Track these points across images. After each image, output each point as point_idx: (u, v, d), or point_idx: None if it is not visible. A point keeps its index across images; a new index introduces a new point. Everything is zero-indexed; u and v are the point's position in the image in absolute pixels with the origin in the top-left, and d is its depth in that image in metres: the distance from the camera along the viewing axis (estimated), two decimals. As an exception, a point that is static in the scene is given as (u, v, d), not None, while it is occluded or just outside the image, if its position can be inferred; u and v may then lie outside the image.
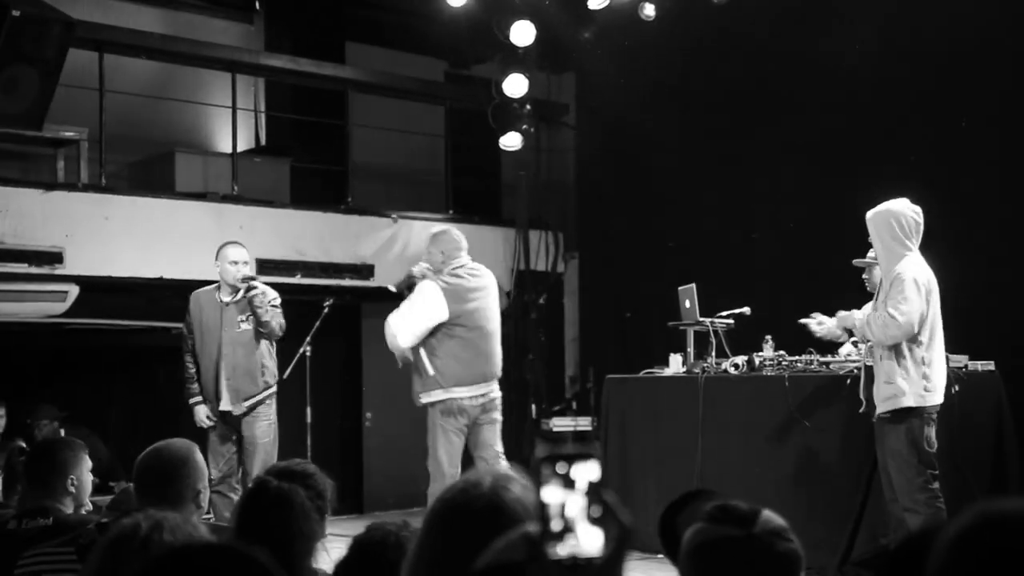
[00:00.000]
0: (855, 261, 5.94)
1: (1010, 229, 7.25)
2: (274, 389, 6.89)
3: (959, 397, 5.87)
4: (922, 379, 5.40)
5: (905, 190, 5.78)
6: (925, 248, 5.61)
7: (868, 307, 5.79)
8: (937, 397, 5.47)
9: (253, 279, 6.71)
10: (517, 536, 1.37)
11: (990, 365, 6.33)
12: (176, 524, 2.17)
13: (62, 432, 7.84)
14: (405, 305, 6.61)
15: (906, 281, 5.39)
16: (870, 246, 5.70)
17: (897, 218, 5.48)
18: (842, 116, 8.06)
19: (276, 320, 6.72)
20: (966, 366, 6.22)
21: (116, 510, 3.73)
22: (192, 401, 6.80)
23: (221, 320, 6.72)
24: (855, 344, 6.22)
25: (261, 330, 6.70)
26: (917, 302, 5.35)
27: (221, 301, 6.77)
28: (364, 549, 2.43)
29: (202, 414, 6.74)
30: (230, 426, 6.77)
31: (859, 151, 7.91)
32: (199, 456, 3.44)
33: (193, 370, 6.84)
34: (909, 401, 5.39)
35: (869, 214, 5.58)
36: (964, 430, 5.92)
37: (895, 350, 5.42)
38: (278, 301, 6.82)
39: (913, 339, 5.40)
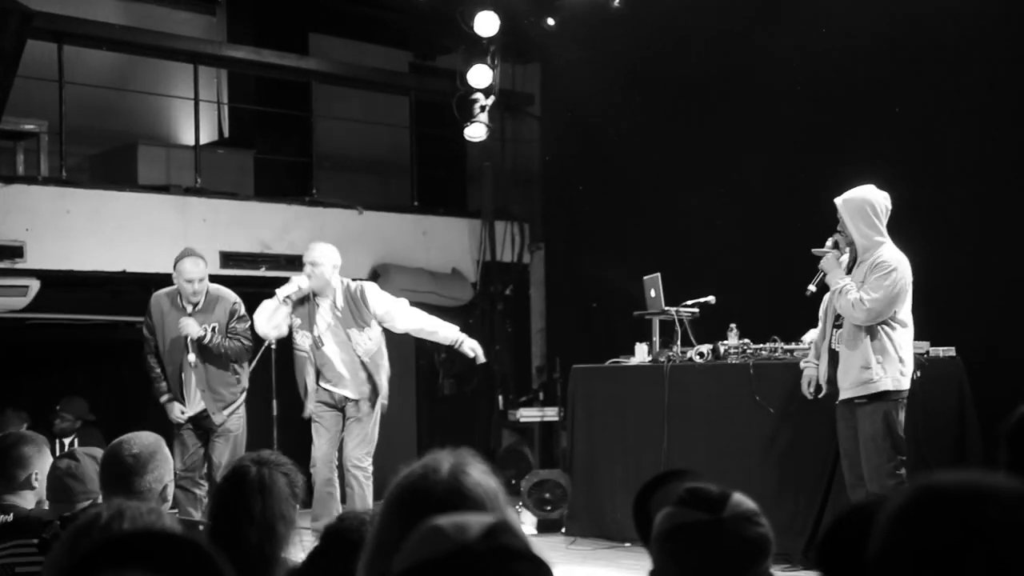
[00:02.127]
0: (814, 251, 5.95)
1: (973, 215, 7.32)
2: (246, 385, 6.88)
3: (921, 383, 5.92)
4: (899, 363, 5.45)
5: (870, 176, 5.82)
6: (890, 234, 5.64)
7: (826, 297, 5.81)
8: (908, 381, 5.52)
9: (203, 337, 6.57)
10: (427, 530, 1.36)
11: (951, 351, 6.40)
12: (138, 513, 2.15)
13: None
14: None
15: (891, 273, 5.39)
16: (832, 233, 5.72)
17: (872, 204, 5.52)
18: (808, 104, 8.10)
19: (234, 350, 6.66)
20: (928, 352, 6.28)
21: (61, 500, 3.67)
22: (163, 399, 6.71)
23: (187, 353, 6.63)
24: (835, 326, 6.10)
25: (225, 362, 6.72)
26: (892, 298, 5.39)
27: (183, 308, 6.67)
28: (336, 537, 2.42)
29: (176, 411, 6.67)
30: (199, 423, 6.74)
31: (825, 139, 7.95)
32: (166, 450, 3.40)
33: (159, 370, 6.72)
34: (887, 384, 5.41)
35: (840, 199, 5.57)
36: (927, 416, 5.98)
37: (872, 334, 5.44)
38: (247, 328, 6.74)
39: (893, 323, 5.44)
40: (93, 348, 9.55)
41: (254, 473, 2.82)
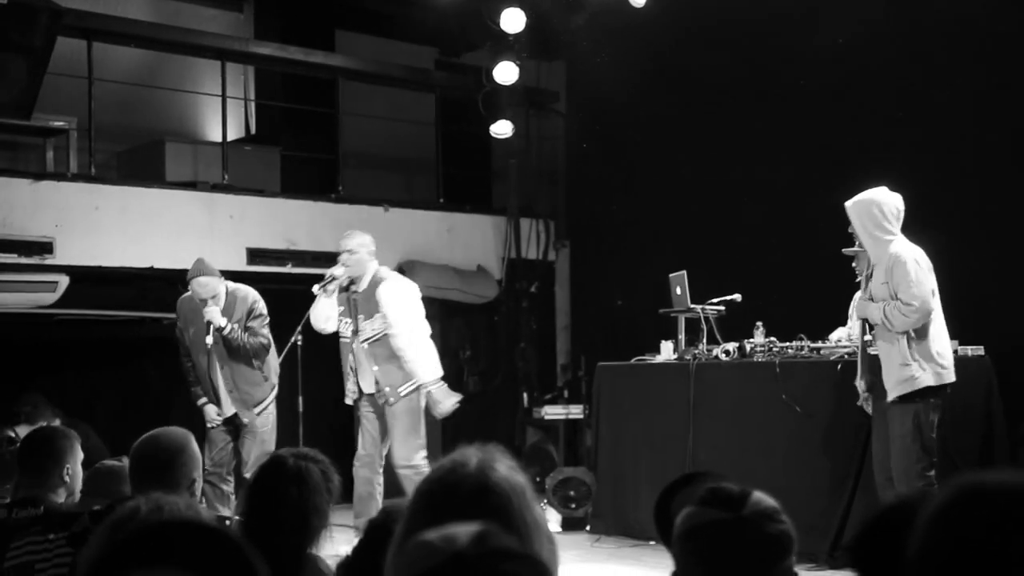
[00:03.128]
0: (844, 251, 5.94)
1: (998, 215, 7.26)
2: (276, 383, 6.93)
3: (949, 383, 5.88)
4: (936, 356, 5.42)
5: (895, 175, 5.79)
6: (915, 235, 5.62)
7: (858, 295, 5.80)
8: (951, 375, 5.48)
9: (220, 329, 6.64)
10: (415, 545, 1.36)
11: (980, 350, 6.35)
12: (177, 508, 2.17)
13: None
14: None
15: (907, 263, 5.40)
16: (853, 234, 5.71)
17: (879, 206, 5.50)
18: (835, 104, 8.06)
19: (252, 345, 6.70)
20: (956, 351, 6.22)
21: (96, 494, 3.72)
22: (200, 403, 6.85)
23: (208, 329, 6.69)
24: (868, 327, 6.08)
25: (243, 357, 6.75)
26: (925, 282, 5.38)
27: (205, 308, 6.73)
28: (380, 530, 2.43)
29: (212, 413, 6.80)
30: (230, 420, 6.82)
31: (850, 138, 7.91)
32: (195, 445, 3.45)
33: (191, 375, 6.89)
34: (928, 380, 5.40)
35: (849, 203, 5.58)
36: (955, 416, 5.93)
37: (907, 333, 5.42)
38: (264, 324, 6.79)
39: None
40: (121, 344, 9.61)
41: (291, 463, 2.85)
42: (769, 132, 8.37)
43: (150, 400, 9.13)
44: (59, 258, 8.00)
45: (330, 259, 9.23)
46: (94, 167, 8.45)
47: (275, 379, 6.93)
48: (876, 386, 5.63)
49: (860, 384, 5.74)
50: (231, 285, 6.84)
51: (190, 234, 8.54)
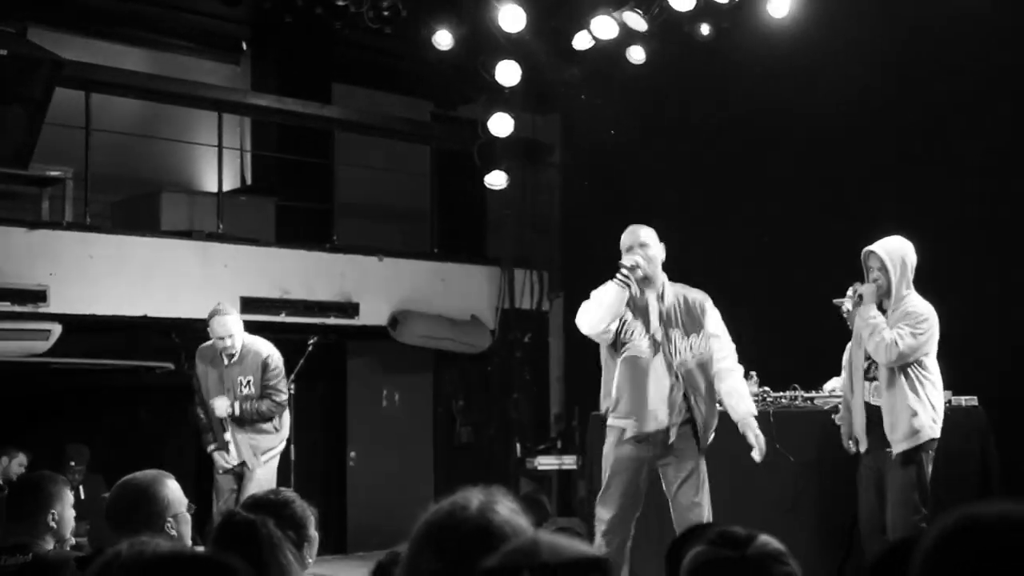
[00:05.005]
0: (835, 301, 5.93)
1: (993, 265, 7.30)
2: (287, 435, 6.96)
3: (944, 433, 5.87)
4: (932, 410, 5.43)
5: (892, 226, 5.82)
6: (915, 283, 5.66)
7: (850, 344, 5.80)
8: (939, 430, 5.49)
9: (232, 414, 6.71)
10: (525, 541, 1.38)
11: (974, 400, 6.35)
12: (159, 548, 2.16)
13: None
14: None
15: (925, 322, 5.40)
16: (853, 282, 5.70)
17: (910, 256, 5.53)
18: (829, 153, 8.13)
19: (264, 413, 6.75)
20: (950, 401, 6.23)
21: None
22: (210, 449, 6.88)
23: (222, 382, 6.76)
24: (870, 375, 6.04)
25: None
26: (921, 343, 5.38)
27: (222, 361, 6.81)
28: (385, 572, 2.41)
29: (221, 460, 6.83)
30: (241, 474, 6.86)
31: (845, 189, 7.98)
32: (167, 486, 3.35)
33: (205, 420, 6.91)
34: (931, 433, 5.40)
35: (883, 249, 5.53)
36: (948, 465, 5.92)
37: (910, 385, 5.40)
38: (280, 379, 6.80)
39: (926, 373, 5.43)
40: (113, 393, 9.58)
41: (240, 519, 2.75)
42: (763, 182, 8.43)
43: (144, 449, 9.08)
44: (53, 306, 7.99)
45: (324, 308, 9.30)
46: (89, 216, 8.48)
47: (286, 431, 6.96)
48: (870, 436, 5.60)
49: (847, 424, 5.73)
50: (248, 338, 6.88)
51: (184, 283, 8.56)
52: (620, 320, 5.38)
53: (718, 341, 5.50)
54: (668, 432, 5.35)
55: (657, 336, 5.33)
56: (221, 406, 6.69)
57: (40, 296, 7.93)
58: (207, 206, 9.20)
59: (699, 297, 5.57)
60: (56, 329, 8.04)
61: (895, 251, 5.51)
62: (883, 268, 5.49)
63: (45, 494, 3.79)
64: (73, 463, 8.17)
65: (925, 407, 5.40)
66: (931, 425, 5.42)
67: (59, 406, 9.27)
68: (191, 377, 7.11)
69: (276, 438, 6.86)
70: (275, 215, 9.71)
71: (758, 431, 5.46)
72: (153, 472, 3.38)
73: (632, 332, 5.37)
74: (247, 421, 6.72)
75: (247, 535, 2.69)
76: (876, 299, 5.51)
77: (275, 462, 6.89)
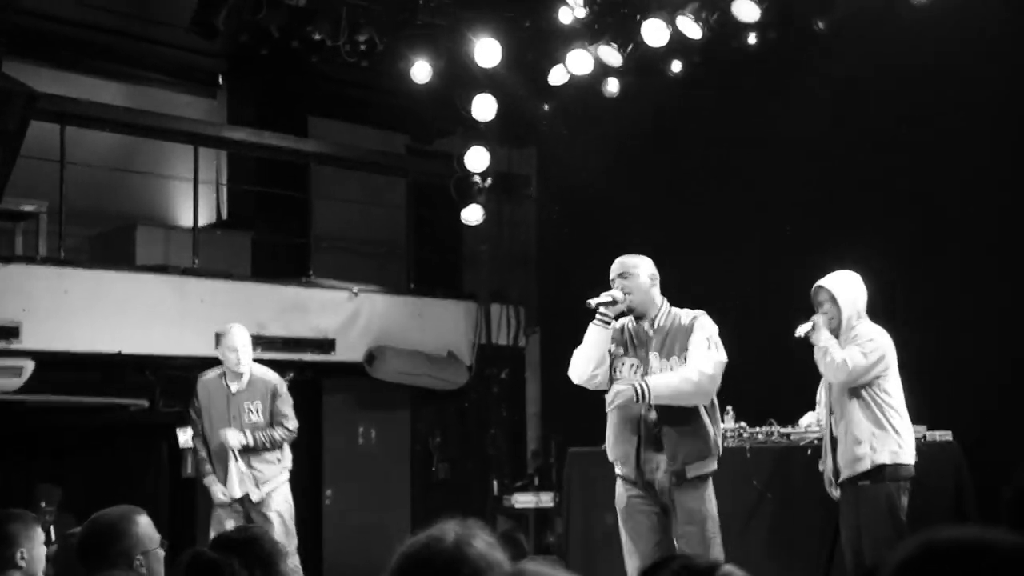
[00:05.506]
0: (797, 334, 5.91)
1: (966, 301, 7.34)
2: (289, 466, 6.90)
3: (918, 468, 5.87)
4: (895, 434, 5.40)
5: (866, 259, 5.85)
6: (885, 319, 5.67)
7: (824, 380, 5.80)
8: (909, 457, 5.44)
9: (245, 445, 6.68)
10: (513, 571, 1.37)
11: (948, 435, 6.36)
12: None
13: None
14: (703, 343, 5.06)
15: (871, 342, 5.42)
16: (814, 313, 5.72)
17: (859, 288, 5.57)
18: (804, 189, 8.18)
19: (277, 441, 6.75)
20: (924, 436, 6.24)
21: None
22: (207, 480, 6.80)
23: (228, 410, 6.71)
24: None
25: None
26: (875, 365, 5.39)
27: (228, 389, 6.74)
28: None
29: (219, 492, 6.73)
30: (243, 509, 6.75)
31: (819, 222, 8.01)
32: (137, 523, 3.29)
33: (204, 452, 6.83)
34: (882, 458, 5.34)
35: (834, 285, 5.57)
36: (924, 501, 5.92)
37: (864, 410, 5.40)
38: (289, 406, 6.83)
39: (882, 396, 5.43)
40: (87, 431, 9.47)
41: (203, 559, 2.73)
42: (738, 215, 8.47)
43: (117, 488, 8.97)
44: (25, 343, 7.91)
45: (299, 344, 9.24)
46: (64, 251, 8.42)
47: (288, 461, 6.91)
48: (836, 472, 5.61)
49: (826, 467, 5.72)
50: (255, 366, 6.88)
51: (160, 318, 8.50)
52: (611, 360, 5.16)
53: (694, 351, 5.03)
54: (648, 469, 5.14)
55: (646, 368, 5.06)
56: (234, 437, 6.63)
57: (13, 332, 7.85)
58: (183, 241, 9.16)
59: (690, 316, 5.20)
60: (29, 365, 7.95)
61: (843, 284, 5.57)
62: (832, 300, 5.54)
63: (11, 532, 3.73)
64: (43, 503, 8.05)
65: (887, 432, 5.39)
66: (885, 451, 5.38)
67: (31, 445, 9.16)
68: (172, 413, 7.05)
69: (278, 468, 6.82)
70: (251, 249, 9.67)
71: (619, 389, 4.99)
72: (123, 508, 3.33)
73: (622, 368, 5.15)
74: (258, 450, 6.66)
75: (212, 575, 2.66)
76: (827, 328, 5.53)
77: (286, 496, 6.81)
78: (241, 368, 6.70)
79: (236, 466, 6.68)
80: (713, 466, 5.13)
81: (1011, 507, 2.12)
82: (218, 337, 6.86)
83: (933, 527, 1.31)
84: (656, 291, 5.30)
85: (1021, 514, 2.10)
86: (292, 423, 6.80)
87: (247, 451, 6.68)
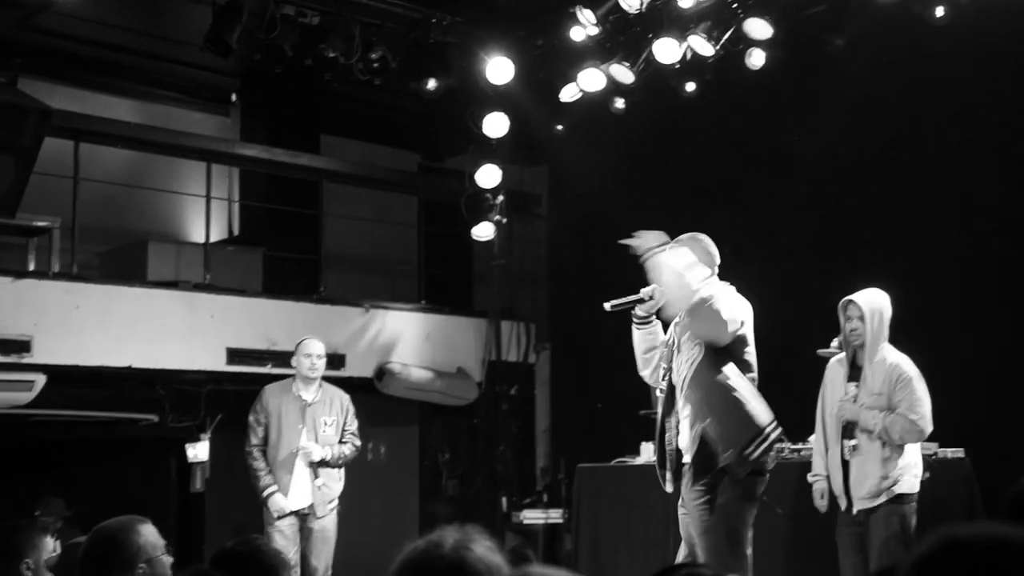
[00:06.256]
0: (820, 352, 5.96)
1: (977, 317, 7.33)
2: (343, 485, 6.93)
3: (930, 484, 5.86)
4: (913, 465, 5.44)
5: (875, 277, 5.85)
6: (896, 338, 5.67)
7: (851, 389, 5.75)
8: (919, 483, 5.50)
9: (324, 459, 6.68)
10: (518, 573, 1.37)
11: (960, 452, 6.34)
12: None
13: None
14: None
15: (913, 379, 5.43)
16: (836, 333, 5.73)
17: (888, 308, 5.57)
18: (811, 203, 8.18)
19: (348, 457, 6.79)
20: (936, 454, 6.22)
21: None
22: (268, 492, 6.65)
23: (303, 420, 6.68)
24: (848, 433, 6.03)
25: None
26: (928, 400, 5.41)
27: (302, 399, 6.72)
28: None
29: (281, 502, 6.61)
30: (298, 521, 6.67)
31: (828, 239, 8.02)
32: (139, 532, 3.26)
33: (260, 463, 6.70)
34: (904, 487, 5.39)
35: (865, 301, 5.56)
36: (935, 519, 5.89)
37: (884, 442, 5.42)
38: (359, 442, 6.89)
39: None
40: (96, 445, 9.49)
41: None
42: (746, 232, 8.45)
43: (126, 502, 8.98)
44: (36, 357, 7.94)
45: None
46: (76, 266, 8.46)
47: (343, 480, 6.90)
48: (848, 495, 5.59)
49: (835, 486, 5.71)
50: (325, 384, 6.92)
51: (170, 334, 8.53)
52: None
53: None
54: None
55: (670, 360, 4.82)
56: (317, 451, 6.61)
57: (24, 346, 7.88)
58: (194, 256, 9.20)
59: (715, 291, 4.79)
60: (40, 380, 7.98)
61: (875, 303, 5.55)
62: (862, 318, 5.52)
63: (17, 543, 3.74)
64: (38, 513, 8.05)
65: (902, 461, 5.40)
66: (905, 480, 5.42)
67: (42, 458, 9.18)
68: (181, 428, 6.96)
69: (340, 485, 6.82)
70: (262, 265, 9.71)
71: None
72: (126, 518, 3.32)
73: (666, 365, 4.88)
74: (329, 466, 6.65)
75: None
76: (850, 356, 5.57)
77: (335, 519, 6.79)
78: (315, 374, 6.69)
79: (306, 477, 6.62)
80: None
81: (1010, 505, 2.13)
82: (297, 345, 6.84)
83: (950, 524, 1.32)
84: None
85: (1017, 512, 2.11)
86: (358, 442, 6.84)
87: (320, 464, 6.65)
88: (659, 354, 4.96)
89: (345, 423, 6.78)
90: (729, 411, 4.70)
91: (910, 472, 5.43)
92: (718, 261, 5.04)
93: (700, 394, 4.71)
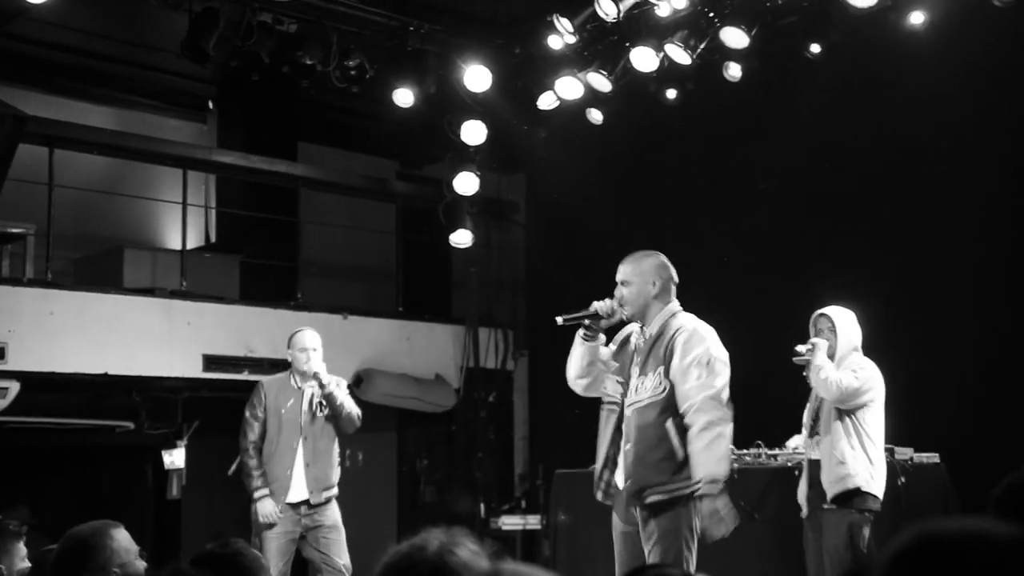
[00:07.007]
0: (795, 359, 5.98)
1: (951, 324, 7.39)
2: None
3: (905, 490, 5.90)
4: (869, 464, 5.48)
5: (849, 286, 5.91)
6: (872, 347, 5.74)
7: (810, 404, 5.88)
8: (878, 490, 5.51)
9: (321, 383, 6.48)
10: (489, 571, 1.37)
11: (935, 457, 6.39)
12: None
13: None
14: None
15: (867, 370, 5.56)
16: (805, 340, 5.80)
17: (856, 325, 5.71)
18: (793, 211, 8.23)
19: (354, 410, 6.57)
20: (911, 459, 6.26)
21: None
22: (259, 495, 6.36)
23: (302, 406, 6.55)
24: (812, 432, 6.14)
25: (339, 422, 6.54)
26: (866, 391, 5.49)
27: (299, 388, 6.60)
28: None
29: (269, 507, 6.33)
30: (295, 521, 6.46)
31: (811, 247, 8.06)
32: (112, 536, 3.24)
33: (255, 462, 6.45)
34: (859, 481, 5.42)
35: (835, 313, 5.69)
36: (911, 522, 5.93)
37: (848, 434, 5.47)
38: (344, 385, 6.69)
39: (864, 427, 5.48)
40: (71, 453, 9.43)
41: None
42: (725, 240, 8.50)
43: (102, 510, 8.92)
44: (11, 363, 7.89)
45: (287, 367, 9.22)
46: (51, 273, 8.40)
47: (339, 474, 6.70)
48: (814, 495, 5.66)
49: (800, 490, 5.79)
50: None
51: (147, 340, 8.48)
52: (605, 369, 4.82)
53: (682, 384, 4.58)
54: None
55: (626, 387, 4.69)
56: (321, 365, 6.39)
57: (-1, 353, 7.83)
58: (170, 263, 9.16)
59: (679, 331, 4.71)
60: (14, 387, 7.93)
61: (846, 316, 5.73)
62: (833, 329, 5.68)
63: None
64: (10, 524, 7.97)
65: (857, 456, 5.46)
66: (867, 480, 5.45)
67: (17, 466, 9.11)
68: (158, 435, 6.85)
69: (338, 472, 6.58)
70: (239, 272, 9.67)
71: (713, 508, 4.52)
72: (98, 523, 3.29)
73: (609, 382, 4.83)
74: (335, 404, 6.41)
75: None
76: (827, 347, 5.66)
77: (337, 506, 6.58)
78: (309, 368, 6.50)
79: (301, 465, 6.39)
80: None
81: (999, 502, 2.14)
82: (289, 339, 6.69)
83: (926, 519, 1.32)
84: (659, 297, 4.83)
85: (1008, 510, 2.11)
86: (359, 410, 6.60)
87: (325, 398, 6.46)
88: (600, 368, 4.86)
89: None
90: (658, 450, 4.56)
91: (863, 468, 5.45)
92: (676, 280, 4.95)
93: (641, 423, 4.63)
